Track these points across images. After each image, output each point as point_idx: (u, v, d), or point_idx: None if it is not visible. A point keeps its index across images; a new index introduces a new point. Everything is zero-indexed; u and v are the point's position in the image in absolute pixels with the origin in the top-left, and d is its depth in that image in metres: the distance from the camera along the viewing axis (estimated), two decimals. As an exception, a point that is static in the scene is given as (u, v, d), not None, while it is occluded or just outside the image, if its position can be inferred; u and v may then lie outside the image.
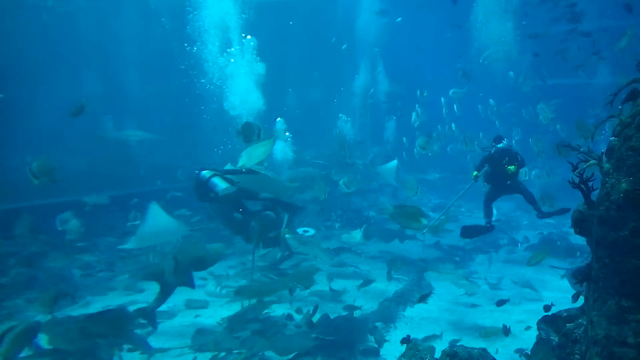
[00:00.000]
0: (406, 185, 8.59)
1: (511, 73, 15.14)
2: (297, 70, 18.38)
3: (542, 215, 8.44)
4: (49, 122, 12.08)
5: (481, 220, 8.94)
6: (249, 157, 6.38)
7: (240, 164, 6.49)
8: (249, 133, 6.72)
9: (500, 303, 6.72)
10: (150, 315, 6.48)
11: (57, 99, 12.69)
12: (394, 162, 11.01)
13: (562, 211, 7.95)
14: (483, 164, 8.61)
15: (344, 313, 6.86)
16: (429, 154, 9.39)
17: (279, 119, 11.91)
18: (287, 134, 11.90)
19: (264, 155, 6.57)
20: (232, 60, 12.35)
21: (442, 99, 14.61)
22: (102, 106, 13.63)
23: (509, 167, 8.26)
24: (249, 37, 12.42)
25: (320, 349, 5.77)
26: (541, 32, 15.06)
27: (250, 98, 12.10)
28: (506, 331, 6.23)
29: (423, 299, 6.64)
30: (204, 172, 7.67)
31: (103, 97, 14.11)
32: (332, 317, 6.43)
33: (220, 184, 7.45)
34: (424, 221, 4.99)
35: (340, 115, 16.80)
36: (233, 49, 12.59)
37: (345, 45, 19.38)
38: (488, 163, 8.56)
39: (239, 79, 12.32)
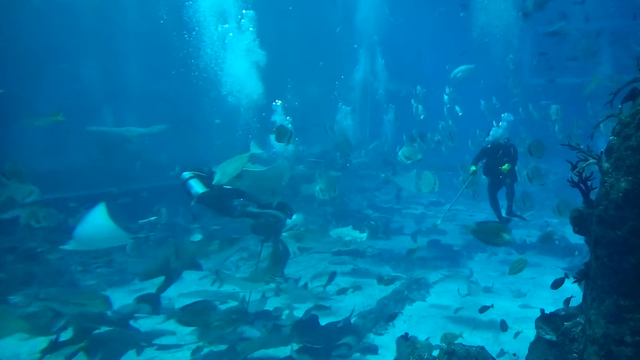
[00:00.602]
0: (423, 180, 8.43)
1: (511, 56, 15.07)
2: (296, 60, 18.16)
3: (509, 213, 8.92)
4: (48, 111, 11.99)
5: (478, 217, 9.05)
6: (224, 172, 6.47)
7: (216, 179, 6.54)
8: (281, 135, 7.16)
9: (483, 309, 6.72)
10: (155, 300, 6.59)
11: (54, 92, 12.65)
12: (414, 172, 10.98)
13: (522, 218, 9.15)
14: (480, 157, 8.74)
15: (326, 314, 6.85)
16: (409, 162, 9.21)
17: (277, 102, 11.85)
18: (287, 118, 11.86)
19: (238, 170, 6.61)
20: (231, 34, 12.25)
21: (445, 96, 14.58)
22: (101, 97, 13.53)
23: (502, 167, 8.41)
24: (244, 11, 12.33)
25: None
26: (558, 30, 14.96)
27: (249, 88, 12.06)
28: (504, 327, 6.25)
29: (391, 318, 6.65)
30: (185, 173, 7.46)
31: (101, 88, 14.01)
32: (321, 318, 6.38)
33: (195, 186, 7.27)
34: (507, 237, 4.74)
35: (340, 105, 16.63)
36: (231, 34, 12.54)
37: (338, 28, 19.20)
38: (485, 156, 8.70)
39: (237, 68, 12.27)
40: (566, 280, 4.85)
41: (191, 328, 6.21)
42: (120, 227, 6.17)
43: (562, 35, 14.90)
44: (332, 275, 7.55)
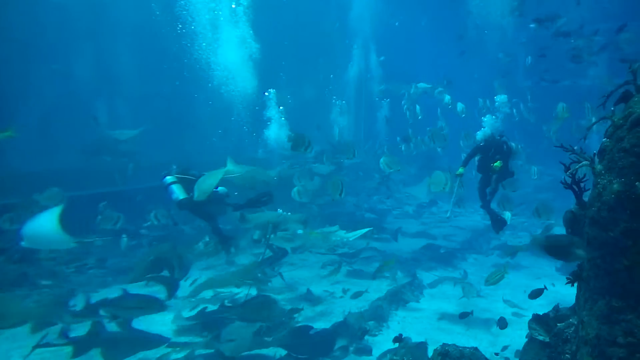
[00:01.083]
0: (433, 179, 8.34)
1: (500, 55, 15.24)
2: (290, 55, 18.06)
3: (486, 207, 8.94)
4: (39, 112, 11.88)
5: (472, 218, 9.06)
6: (200, 189, 6.66)
7: (195, 196, 6.73)
8: (299, 143, 7.19)
9: (464, 315, 6.70)
10: (174, 285, 6.78)
11: (46, 92, 12.52)
12: (425, 181, 11.00)
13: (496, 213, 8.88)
14: (472, 156, 8.82)
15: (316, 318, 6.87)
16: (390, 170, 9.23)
17: (270, 90, 11.84)
18: (280, 107, 11.90)
19: (214, 186, 6.88)
20: (222, 18, 12.34)
21: (447, 97, 14.65)
22: (94, 90, 13.40)
23: (493, 165, 8.45)
24: None
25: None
26: (560, 28, 15.00)
27: (242, 82, 12.06)
28: (503, 324, 6.23)
29: (363, 334, 6.65)
30: (168, 177, 7.58)
31: (93, 86, 13.91)
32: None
33: (176, 191, 7.39)
34: (581, 253, 4.46)
35: (335, 100, 16.56)
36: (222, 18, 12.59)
37: (337, 24, 19.27)
38: (479, 153, 8.76)
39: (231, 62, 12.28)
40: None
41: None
42: (66, 232, 6.02)
43: (566, 35, 14.97)
44: (339, 266, 8.04)
